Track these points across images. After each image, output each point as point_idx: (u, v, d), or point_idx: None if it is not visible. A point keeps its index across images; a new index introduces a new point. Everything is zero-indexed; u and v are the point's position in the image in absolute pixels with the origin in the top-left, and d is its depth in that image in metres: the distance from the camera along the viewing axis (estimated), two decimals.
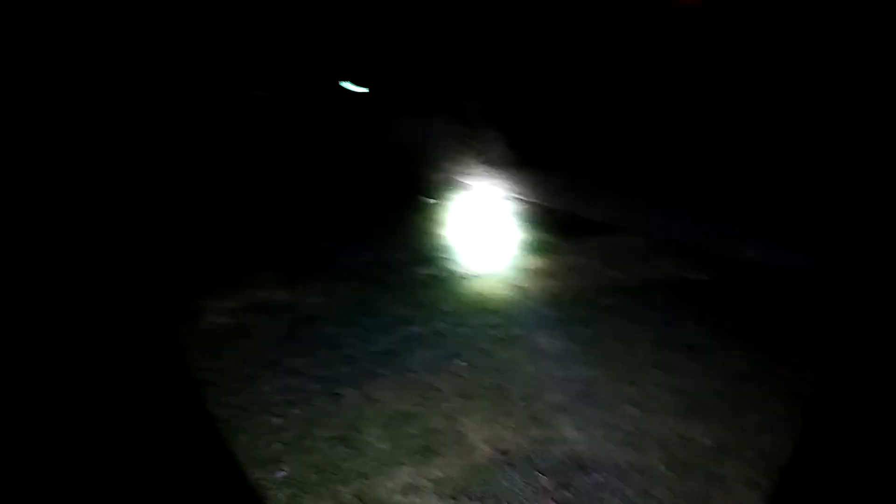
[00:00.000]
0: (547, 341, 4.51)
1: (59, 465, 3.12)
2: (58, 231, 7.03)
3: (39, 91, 9.72)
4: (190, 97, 12.58)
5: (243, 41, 13.44)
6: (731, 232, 7.53)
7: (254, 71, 14.29)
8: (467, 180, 11.59)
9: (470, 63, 11.94)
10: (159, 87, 12.17)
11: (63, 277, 5.87)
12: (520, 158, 11.35)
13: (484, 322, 4.85)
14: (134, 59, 11.62)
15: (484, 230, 8.04)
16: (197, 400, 3.76)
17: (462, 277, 6.05)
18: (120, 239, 7.24)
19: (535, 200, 9.65)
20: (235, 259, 6.64)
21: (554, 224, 8.20)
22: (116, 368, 4.10)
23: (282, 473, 3.10)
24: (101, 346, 4.44)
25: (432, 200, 9.36)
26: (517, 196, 10.02)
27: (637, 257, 6.66)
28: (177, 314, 5.10)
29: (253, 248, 7.15)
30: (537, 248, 6.96)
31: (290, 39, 13.96)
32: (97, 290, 5.62)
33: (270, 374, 4.08)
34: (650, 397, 3.78)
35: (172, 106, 12.11)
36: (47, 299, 5.29)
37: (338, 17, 13.40)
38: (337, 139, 12.11)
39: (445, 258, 6.77)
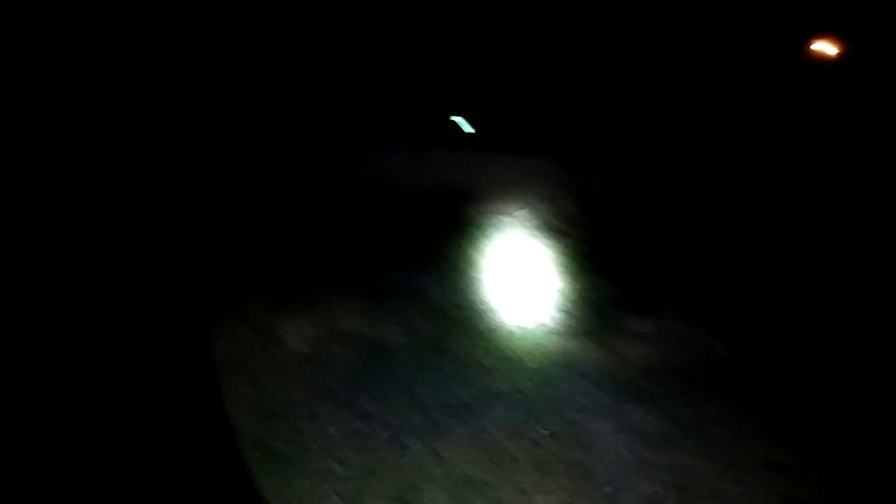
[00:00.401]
0: (641, 417, 4.04)
1: (111, 487, 3.01)
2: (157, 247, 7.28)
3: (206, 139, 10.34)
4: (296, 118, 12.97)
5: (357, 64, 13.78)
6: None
7: (366, 95, 14.60)
8: (567, 227, 11.17)
9: (591, 103, 11.57)
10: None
11: (152, 292, 5.99)
12: (626, 210, 10.80)
13: (573, 386, 4.43)
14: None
15: (582, 282, 7.59)
16: (261, 432, 3.58)
17: (553, 332, 5.65)
18: (213, 257, 7.38)
19: (639, 253, 9.10)
20: (321, 283, 6.56)
21: (660, 281, 7.64)
22: (190, 390, 4.03)
23: None
24: (180, 366, 4.40)
25: (529, 245, 9.04)
26: (621, 247, 9.50)
27: (750, 326, 6.01)
28: (258, 337, 5.02)
29: (340, 272, 7.07)
30: (639, 307, 6.44)
31: (405, 68, 14.17)
32: (186, 307, 5.68)
33: (339, 413, 3.86)
34: None
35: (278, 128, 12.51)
36: (131, 311, 5.37)
37: (452, 46, 13.47)
38: (433, 173, 12.03)
39: (538, 308, 6.40)
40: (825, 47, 10.04)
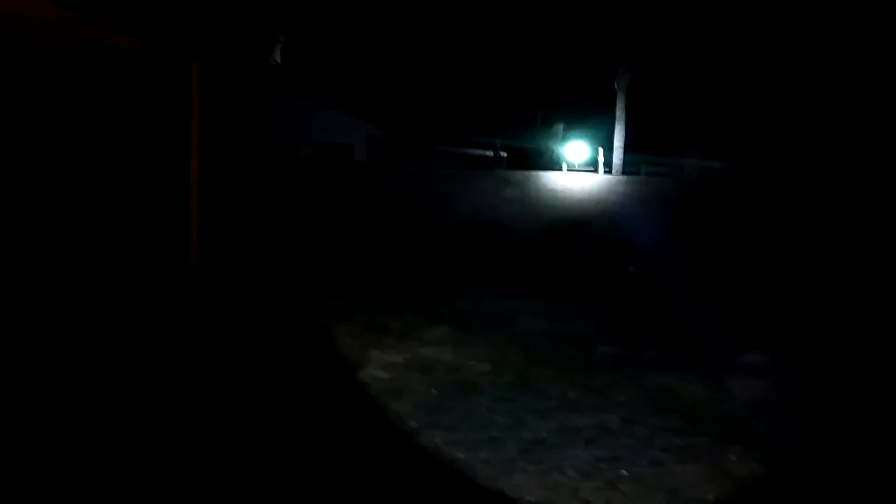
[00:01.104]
0: (742, 463, 3.55)
1: None
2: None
3: None
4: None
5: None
6: None
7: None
8: (666, 253, 10.46)
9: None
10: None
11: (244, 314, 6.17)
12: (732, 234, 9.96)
13: (664, 424, 4.00)
14: None
15: (684, 310, 6.99)
16: (318, 467, 3.48)
17: (650, 363, 5.21)
18: (307, 283, 7.57)
19: (748, 279, 8.32)
20: (411, 311, 6.52)
21: (774, 308, 6.91)
22: (261, 415, 4.05)
23: None
24: (257, 389, 4.45)
25: (632, 269, 8.54)
26: (729, 273, 8.75)
27: (876, 361, 5.23)
28: (340, 363, 5.02)
29: (431, 300, 7.01)
30: (755, 336, 5.83)
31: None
32: (276, 330, 5.81)
33: (404, 445, 3.71)
34: None
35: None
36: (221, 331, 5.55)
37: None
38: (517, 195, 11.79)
39: (636, 337, 5.96)
40: None
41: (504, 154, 15.63)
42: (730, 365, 5.09)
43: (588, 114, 18.48)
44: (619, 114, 13.86)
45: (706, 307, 7.11)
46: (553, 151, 18.05)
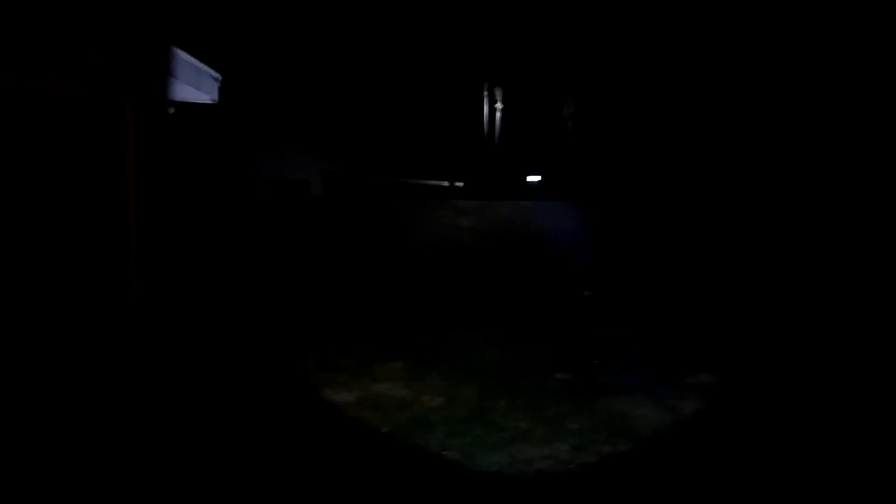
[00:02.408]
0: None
1: None
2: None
3: None
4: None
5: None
6: None
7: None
8: (622, 280, 10.59)
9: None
10: None
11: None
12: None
13: (615, 450, 3.98)
14: None
15: (640, 334, 7.04)
16: None
17: (603, 389, 5.20)
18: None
19: (700, 304, 8.46)
20: (366, 346, 6.41)
21: (723, 332, 7.01)
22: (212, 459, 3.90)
23: None
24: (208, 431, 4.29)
25: (588, 293, 8.59)
26: (680, 300, 8.88)
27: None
28: (290, 404, 4.89)
29: (389, 334, 6.91)
30: (705, 359, 5.88)
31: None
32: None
33: (345, 491, 3.60)
34: None
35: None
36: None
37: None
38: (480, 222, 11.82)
39: (592, 363, 5.96)
40: None
41: (460, 184, 15.71)
42: (682, 387, 5.12)
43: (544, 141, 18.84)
44: (571, 141, 14.19)
45: (655, 330, 7.17)
46: (511, 178, 18.24)
